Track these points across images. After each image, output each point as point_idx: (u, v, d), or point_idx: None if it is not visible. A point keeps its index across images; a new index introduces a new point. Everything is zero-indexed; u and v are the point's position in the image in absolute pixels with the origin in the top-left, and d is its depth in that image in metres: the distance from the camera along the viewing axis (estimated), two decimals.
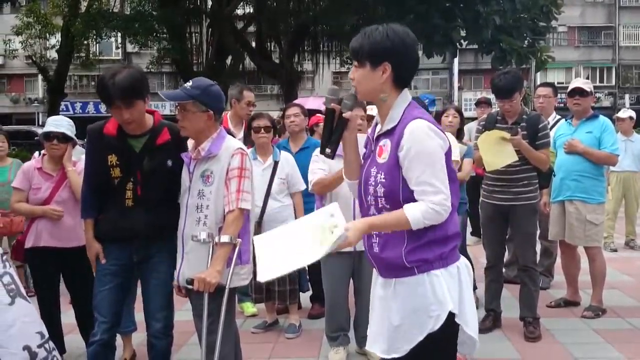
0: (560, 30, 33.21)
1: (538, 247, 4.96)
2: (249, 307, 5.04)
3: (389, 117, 2.17)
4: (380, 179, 2.14)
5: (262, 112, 4.86)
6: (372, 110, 4.05)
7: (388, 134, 2.16)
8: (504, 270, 5.02)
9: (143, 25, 15.85)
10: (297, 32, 17.03)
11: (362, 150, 2.34)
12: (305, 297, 5.18)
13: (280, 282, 4.47)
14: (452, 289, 2.13)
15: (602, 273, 4.94)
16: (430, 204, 2.06)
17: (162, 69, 20.40)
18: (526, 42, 14.86)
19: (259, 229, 4.36)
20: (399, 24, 2.20)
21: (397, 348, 2.17)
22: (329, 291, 4.02)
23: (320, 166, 3.84)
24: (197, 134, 2.98)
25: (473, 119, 8.26)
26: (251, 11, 18.47)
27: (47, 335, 3.21)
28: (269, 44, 18.34)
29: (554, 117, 5.60)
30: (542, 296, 4.74)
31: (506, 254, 5.19)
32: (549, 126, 4.98)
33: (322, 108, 2.27)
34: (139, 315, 3.47)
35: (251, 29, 18.50)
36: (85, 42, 17.84)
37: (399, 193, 2.11)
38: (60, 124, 3.94)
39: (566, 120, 5.13)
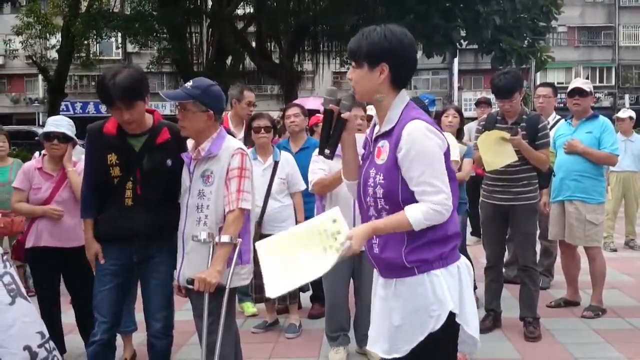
0: (560, 30, 33.22)
1: (538, 247, 4.96)
2: (249, 307, 5.04)
3: (386, 118, 2.18)
4: (379, 180, 2.14)
5: (262, 112, 4.86)
6: (372, 110, 4.05)
7: (386, 135, 2.17)
8: (504, 270, 5.02)
9: (143, 25, 15.85)
10: (297, 32, 17.03)
11: (360, 150, 2.34)
12: (305, 297, 5.18)
13: None
14: (452, 289, 2.14)
15: (602, 273, 4.94)
16: (431, 204, 2.07)
17: (162, 69, 20.42)
18: (526, 42, 14.86)
19: (259, 229, 4.37)
20: (398, 25, 2.20)
21: (398, 348, 2.17)
22: (329, 291, 4.02)
23: (321, 166, 3.84)
24: (197, 134, 2.99)
25: (473, 119, 8.27)
26: (251, 11, 18.47)
27: (47, 335, 3.20)
28: (269, 44, 18.35)
29: (553, 117, 5.60)
30: (542, 296, 4.74)
31: (506, 253, 5.20)
32: (549, 126, 4.98)
33: (322, 108, 2.27)
34: (140, 315, 3.47)
35: (251, 29, 18.50)
36: (86, 42, 17.84)
37: (398, 194, 2.11)
38: (60, 124, 3.94)
39: (566, 120, 5.13)
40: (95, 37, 17.20)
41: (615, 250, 7.51)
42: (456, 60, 26.30)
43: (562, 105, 7.81)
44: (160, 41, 17.16)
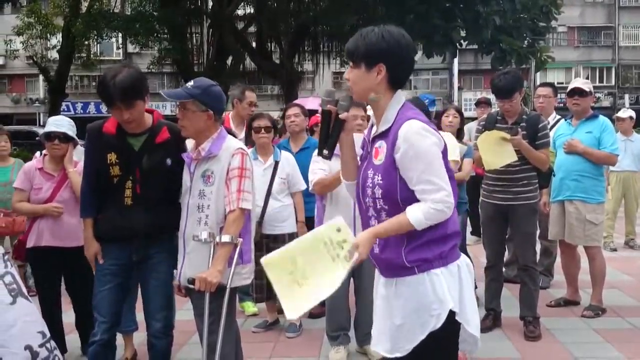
0: (560, 31, 33.22)
1: (538, 247, 4.97)
2: (250, 307, 5.05)
3: (383, 119, 2.19)
4: (378, 180, 2.15)
5: (263, 112, 4.87)
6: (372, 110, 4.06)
7: (383, 135, 2.18)
8: (504, 269, 5.02)
9: (144, 25, 15.87)
10: (298, 33, 17.04)
11: (359, 151, 2.35)
12: None
13: None
14: (452, 288, 2.15)
15: (601, 272, 4.95)
16: (431, 203, 2.08)
17: (162, 69, 20.43)
18: (526, 42, 14.87)
19: (259, 229, 4.38)
20: (397, 25, 2.22)
21: (399, 347, 2.18)
22: None
23: (321, 166, 3.85)
24: (197, 134, 2.99)
25: (473, 119, 8.27)
26: (251, 11, 18.49)
27: (48, 335, 3.21)
28: (269, 44, 18.35)
29: (554, 117, 5.61)
30: (542, 295, 4.75)
31: (506, 253, 5.20)
32: (549, 126, 4.99)
33: (320, 109, 2.28)
34: (140, 315, 3.47)
35: (252, 29, 18.51)
36: (86, 42, 17.87)
37: (397, 193, 2.12)
38: (61, 123, 3.95)
39: (566, 120, 5.14)
40: (95, 37, 17.23)
41: (615, 250, 7.52)
42: (456, 60, 26.34)
43: (562, 105, 7.81)
44: (161, 41, 17.17)
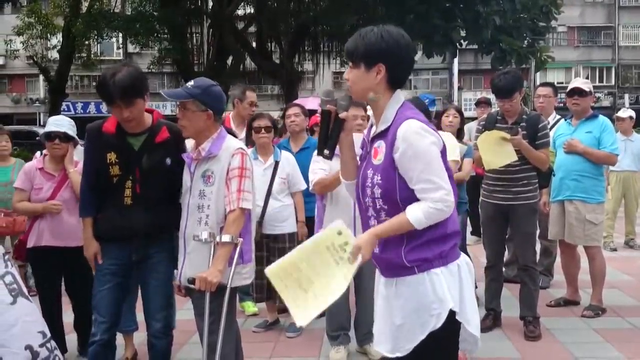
0: (559, 30, 33.21)
1: (538, 247, 4.97)
2: (250, 307, 5.05)
3: (382, 119, 2.20)
4: (377, 180, 2.16)
5: (263, 112, 4.87)
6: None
7: (382, 135, 2.18)
8: (504, 269, 5.03)
9: (144, 25, 15.87)
10: (298, 33, 17.04)
11: (358, 151, 2.36)
12: None
13: None
14: (452, 287, 2.15)
15: (601, 272, 4.95)
16: (431, 202, 2.08)
17: (163, 69, 20.43)
18: (526, 42, 14.88)
19: (260, 229, 4.38)
20: (397, 25, 2.22)
21: (400, 347, 2.19)
22: None
23: (321, 166, 3.85)
24: (196, 134, 3.00)
25: (473, 118, 8.27)
26: (252, 11, 18.49)
27: (48, 335, 3.21)
28: (269, 44, 18.35)
29: (554, 117, 5.61)
30: (542, 295, 4.75)
31: (506, 253, 5.21)
32: (549, 126, 4.99)
33: (320, 109, 2.29)
34: (141, 315, 3.48)
35: (252, 29, 18.51)
36: (87, 42, 17.87)
37: (396, 193, 2.13)
38: (61, 123, 3.96)
39: (566, 120, 5.14)
40: (96, 37, 17.23)
41: (615, 250, 7.52)
42: (456, 60, 26.32)
43: (562, 105, 7.81)
44: (161, 41, 17.17)
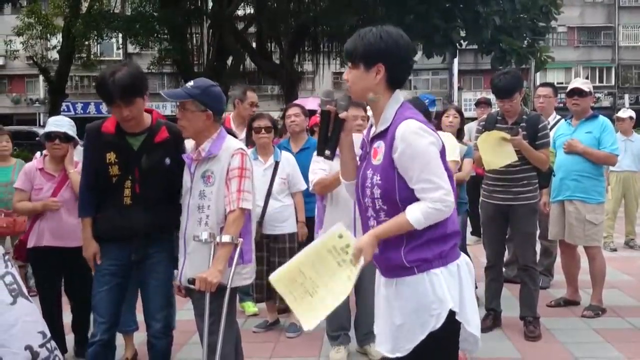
0: (559, 31, 33.22)
1: (538, 247, 4.97)
2: (250, 307, 5.05)
3: (381, 119, 2.20)
4: (377, 180, 2.16)
5: (263, 112, 4.87)
6: None
7: (381, 135, 2.19)
8: (504, 269, 5.03)
9: (144, 26, 15.88)
10: (298, 33, 17.04)
11: (358, 151, 2.36)
12: None
13: None
14: (452, 288, 2.15)
15: (601, 272, 4.95)
16: (429, 202, 2.08)
17: (163, 70, 20.44)
18: (526, 42, 14.88)
19: (260, 229, 4.38)
20: (397, 25, 2.22)
21: (400, 347, 2.19)
22: None
23: (321, 166, 3.85)
24: (196, 134, 3.00)
25: (473, 119, 8.27)
26: (252, 12, 18.50)
27: (48, 335, 3.21)
28: (269, 44, 18.36)
29: (554, 117, 5.61)
30: (542, 295, 4.75)
31: (506, 253, 5.21)
32: (550, 126, 4.99)
33: (319, 109, 2.29)
34: (141, 315, 3.48)
35: (252, 29, 18.51)
36: (86, 42, 17.88)
37: (395, 193, 2.13)
38: (61, 123, 3.96)
39: (566, 120, 5.14)
40: (96, 37, 17.24)
41: (615, 250, 7.52)
42: (456, 60, 26.33)
43: (562, 105, 7.81)
44: (161, 42, 17.19)
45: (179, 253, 3.08)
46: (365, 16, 15.09)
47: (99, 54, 20.71)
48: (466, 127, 6.05)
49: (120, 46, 25.01)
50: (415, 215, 2.08)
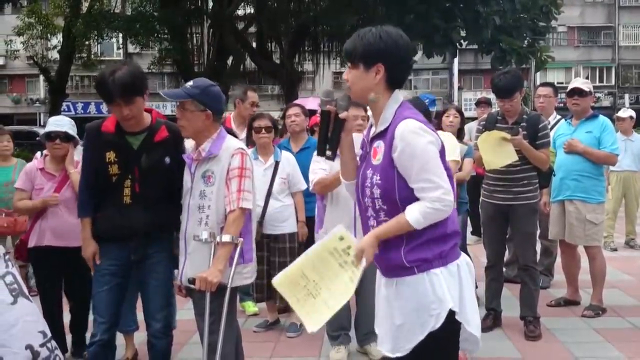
0: (560, 30, 33.21)
1: (538, 247, 4.97)
2: (251, 307, 5.05)
3: (381, 119, 2.20)
4: (376, 180, 2.16)
5: (263, 112, 4.87)
6: None
7: (381, 135, 2.19)
8: (504, 269, 5.03)
9: (144, 26, 15.88)
10: (298, 33, 17.05)
11: (359, 151, 2.36)
12: None
13: None
14: (452, 288, 2.15)
15: (602, 272, 4.95)
16: (428, 202, 2.08)
17: (163, 70, 20.43)
18: (526, 42, 14.89)
19: (260, 229, 4.38)
20: (397, 25, 2.23)
21: (400, 347, 2.19)
22: None
23: (322, 166, 3.85)
24: (195, 134, 3.00)
25: (473, 118, 8.27)
26: (252, 12, 18.50)
27: (49, 335, 3.22)
28: (269, 44, 18.36)
29: (554, 117, 5.61)
30: (542, 295, 4.75)
31: (506, 253, 5.21)
32: (550, 126, 4.99)
33: (320, 110, 2.29)
34: (141, 315, 3.48)
35: (252, 29, 18.51)
36: (87, 42, 17.90)
37: (395, 193, 2.13)
38: (61, 123, 3.96)
39: (566, 120, 5.14)
40: (96, 37, 17.25)
41: (615, 250, 7.52)
42: (456, 60, 26.33)
43: (562, 105, 7.81)
44: (161, 42, 17.19)
45: (180, 253, 3.08)
46: (366, 16, 15.10)
47: (99, 54, 20.73)
48: (466, 127, 6.05)
49: (121, 46, 25.01)
50: (414, 215, 2.08)
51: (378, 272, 2.33)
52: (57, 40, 19.25)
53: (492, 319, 4.55)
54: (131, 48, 25.71)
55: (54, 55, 20.05)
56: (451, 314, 2.13)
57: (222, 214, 2.94)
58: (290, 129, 4.92)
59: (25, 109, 35.05)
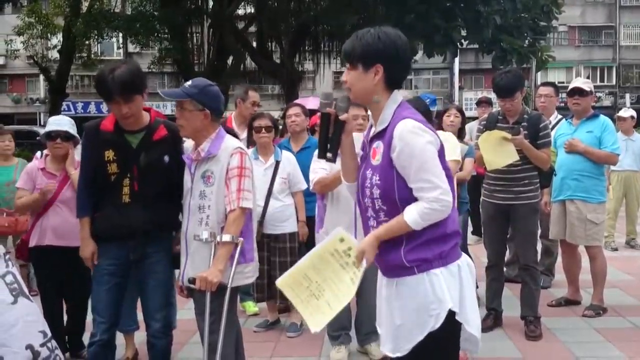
0: (560, 30, 33.21)
1: (539, 247, 4.97)
2: (251, 306, 5.05)
3: (380, 119, 2.20)
4: (376, 180, 2.16)
5: (263, 112, 4.87)
6: None
7: (380, 135, 2.19)
8: (505, 269, 5.02)
9: (144, 25, 15.89)
10: (298, 32, 17.05)
11: (359, 152, 2.36)
12: None
13: None
14: (452, 288, 2.15)
15: (602, 272, 4.95)
16: (426, 203, 2.08)
17: (163, 69, 20.46)
18: (527, 41, 14.90)
19: (260, 229, 4.38)
20: (398, 25, 2.22)
21: (400, 347, 2.19)
22: None
23: (322, 165, 3.84)
24: (194, 133, 3.00)
25: (474, 118, 8.27)
26: (252, 11, 18.50)
27: (49, 334, 3.21)
28: (269, 44, 18.36)
29: (555, 116, 5.60)
30: (543, 295, 4.74)
31: (507, 253, 5.20)
32: (551, 126, 4.99)
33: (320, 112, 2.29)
34: (141, 314, 3.48)
35: (252, 29, 18.52)
36: (87, 42, 17.91)
37: (395, 193, 2.13)
38: (62, 122, 3.96)
39: (567, 119, 5.14)
40: (96, 37, 17.26)
41: (616, 250, 7.52)
42: (457, 59, 26.35)
43: (563, 104, 7.81)
44: (161, 41, 17.20)
45: (182, 253, 3.07)
46: (366, 15, 15.11)
47: (99, 54, 20.74)
48: (467, 127, 6.04)
49: (121, 45, 25.01)
50: (412, 216, 2.08)
51: (379, 273, 2.33)
52: (57, 39, 19.26)
53: (492, 319, 4.55)
54: (131, 48, 25.70)
55: (54, 54, 20.06)
56: (451, 314, 2.13)
57: (223, 214, 2.94)
58: (291, 128, 4.92)
59: (25, 108, 35.06)
